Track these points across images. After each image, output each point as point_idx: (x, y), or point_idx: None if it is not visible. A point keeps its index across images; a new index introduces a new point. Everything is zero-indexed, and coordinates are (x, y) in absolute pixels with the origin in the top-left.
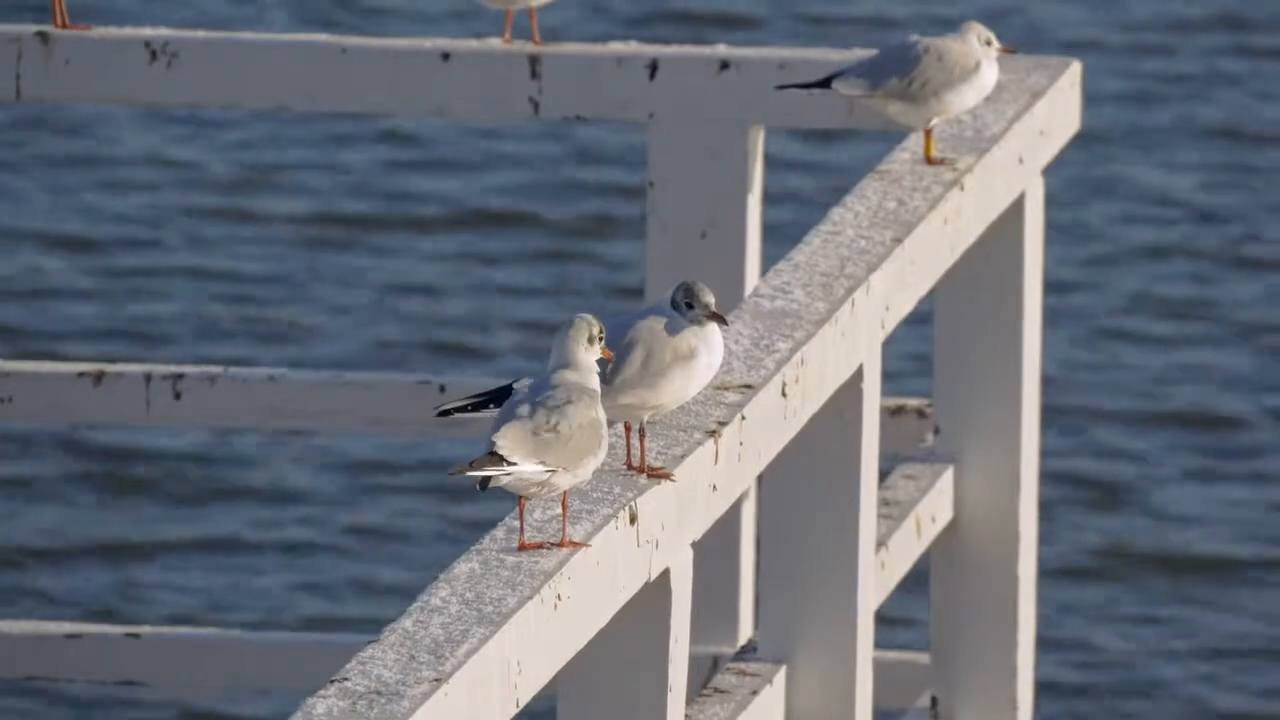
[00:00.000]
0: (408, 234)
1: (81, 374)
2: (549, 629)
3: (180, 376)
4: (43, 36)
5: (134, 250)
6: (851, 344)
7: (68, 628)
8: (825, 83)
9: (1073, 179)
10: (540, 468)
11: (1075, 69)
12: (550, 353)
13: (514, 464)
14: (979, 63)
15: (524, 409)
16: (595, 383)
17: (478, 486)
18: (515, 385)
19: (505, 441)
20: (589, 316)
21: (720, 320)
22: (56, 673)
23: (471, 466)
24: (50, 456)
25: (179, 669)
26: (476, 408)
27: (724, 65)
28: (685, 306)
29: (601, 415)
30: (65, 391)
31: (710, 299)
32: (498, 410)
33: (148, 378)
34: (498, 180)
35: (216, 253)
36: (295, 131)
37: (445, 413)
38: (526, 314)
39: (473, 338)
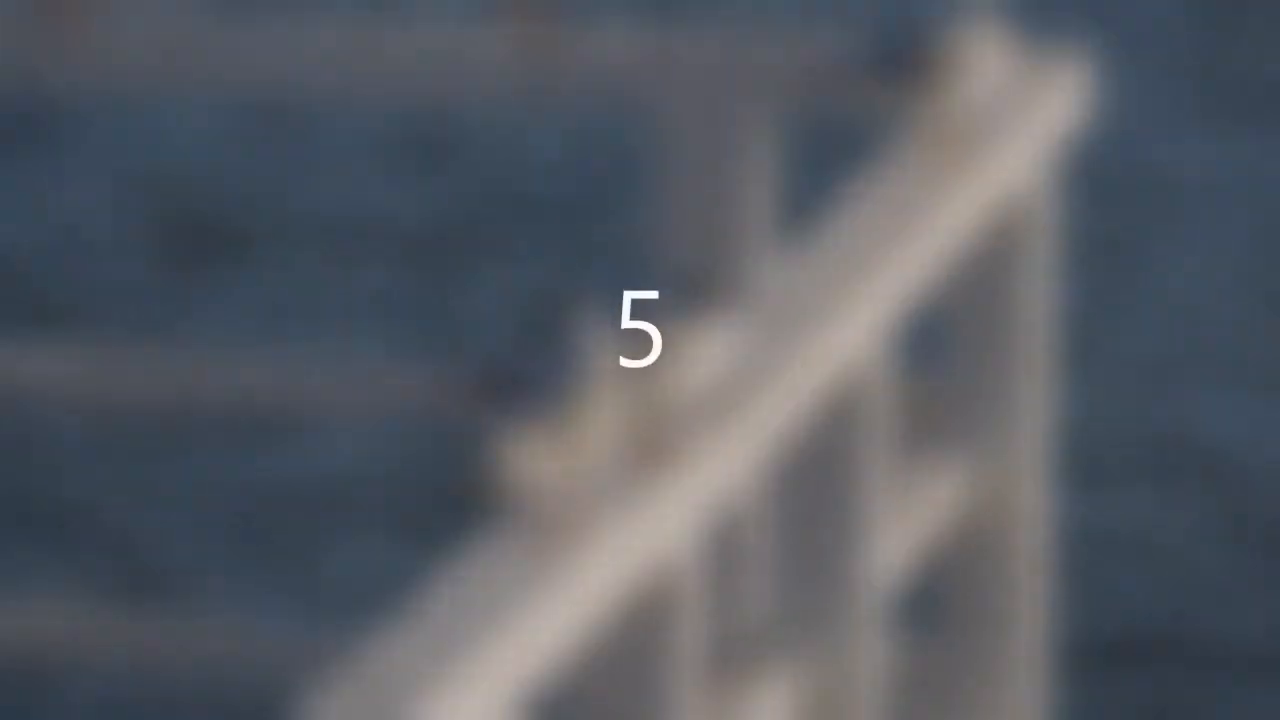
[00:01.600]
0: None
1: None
2: (556, 618)
3: (189, 364)
4: (51, 23)
5: None
6: (860, 334)
7: (72, 616)
8: (829, 68)
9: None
10: None
11: (1082, 59)
12: (560, 340)
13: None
14: (983, 50)
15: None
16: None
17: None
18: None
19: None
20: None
21: (725, 309)
22: (61, 661)
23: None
24: None
25: (185, 656)
26: None
27: (735, 50)
28: (691, 295)
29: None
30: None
31: (717, 287)
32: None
33: None
34: (497, 170)
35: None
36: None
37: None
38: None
39: (478, 329)
